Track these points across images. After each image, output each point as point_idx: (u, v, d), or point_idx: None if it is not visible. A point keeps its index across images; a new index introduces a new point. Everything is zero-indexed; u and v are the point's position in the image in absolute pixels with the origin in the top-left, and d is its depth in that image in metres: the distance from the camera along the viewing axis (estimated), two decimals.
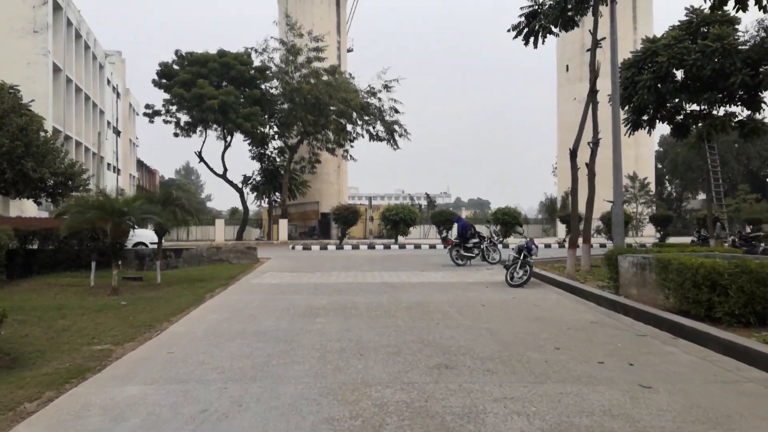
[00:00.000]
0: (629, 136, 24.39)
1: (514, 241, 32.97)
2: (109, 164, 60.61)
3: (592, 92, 17.53)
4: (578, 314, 9.73)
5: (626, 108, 23.62)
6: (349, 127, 40.92)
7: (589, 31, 18.79)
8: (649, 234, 41.49)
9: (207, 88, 33.36)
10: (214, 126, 37.03)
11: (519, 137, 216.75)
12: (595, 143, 18.87)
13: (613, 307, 10.70)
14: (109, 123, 61.23)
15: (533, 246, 13.60)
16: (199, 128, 37.78)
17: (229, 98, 33.72)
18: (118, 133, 65.90)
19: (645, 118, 23.84)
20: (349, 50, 53.57)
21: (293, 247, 31.86)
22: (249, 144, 42.59)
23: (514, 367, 6.00)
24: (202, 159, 38.38)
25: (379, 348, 6.89)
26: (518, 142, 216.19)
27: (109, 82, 61.05)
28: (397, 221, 32.87)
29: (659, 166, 69.65)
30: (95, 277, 15.20)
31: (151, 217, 14.25)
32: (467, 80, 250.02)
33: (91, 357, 7.05)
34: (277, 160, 43.37)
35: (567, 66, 58.50)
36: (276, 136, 42.77)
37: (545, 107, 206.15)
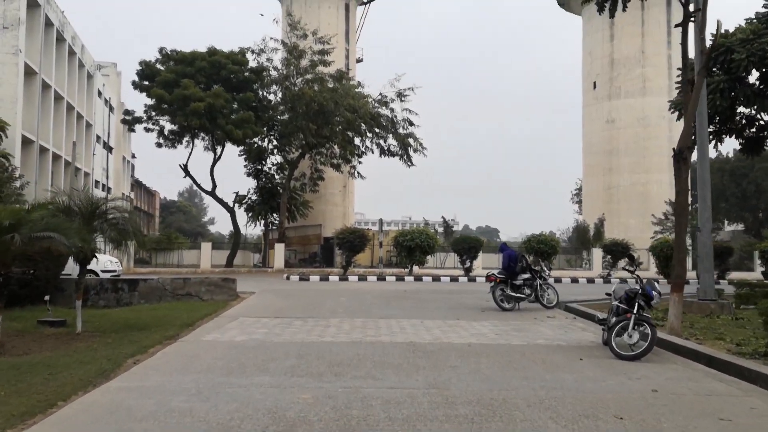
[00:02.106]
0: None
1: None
2: (97, 182, 56.05)
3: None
4: None
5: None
6: (357, 141, 35.98)
7: (681, 1, 13.84)
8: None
9: (192, 89, 28.46)
10: (202, 135, 32.11)
11: (529, 165, 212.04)
12: (688, 147, 13.78)
13: None
14: (99, 138, 56.76)
15: (653, 292, 8.40)
16: (185, 138, 32.89)
17: (218, 101, 28.79)
18: (110, 149, 61.42)
19: (710, 129, 19.37)
20: (359, 60, 48.98)
21: (288, 277, 26.65)
22: (245, 159, 37.73)
23: None
24: (187, 173, 33.38)
25: None
26: (529, 169, 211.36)
27: (100, 94, 56.67)
28: (412, 248, 27.63)
29: None
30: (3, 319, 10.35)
31: (51, 235, 9.18)
32: (477, 105, 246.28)
33: None
34: (276, 177, 38.35)
35: (594, 83, 53.93)
36: (275, 151, 37.85)
37: (557, 133, 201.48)
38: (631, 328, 8.15)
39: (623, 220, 48.31)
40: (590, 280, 28.50)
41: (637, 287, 8.54)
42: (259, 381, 6.51)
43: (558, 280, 27.50)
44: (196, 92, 28.48)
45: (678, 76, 19.64)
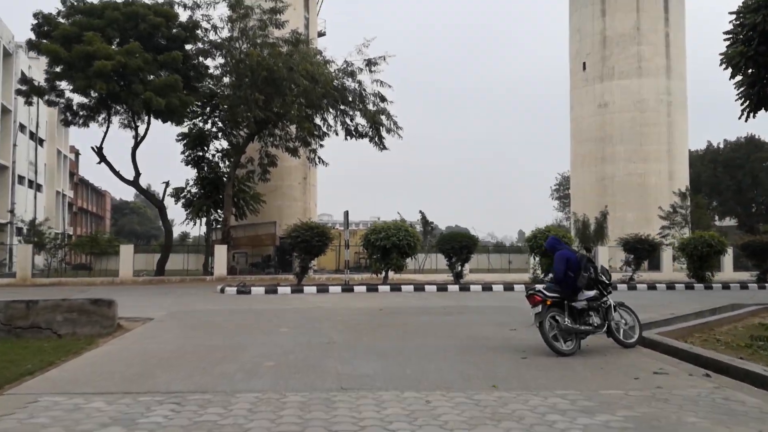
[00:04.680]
0: (746, 120, 14.77)
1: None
2: (21, 177, 48.65)
3: None
4: None
5: (740, 78, 14.34)
6: (318, 119, 29.56)
7: None
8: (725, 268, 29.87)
9: (98, 45, 21.53)
10: (117, 107, 25.20)
11: (498, 163, 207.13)
12: None
13: None
14: (23, 127, 49.23)
15: None
16: (101, 113, 25.99)
17: (134, 61, 21.95)
18: (40, 141, 53.74)
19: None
20: (321, 34, 42.57)
21: (222, 290, 20.08)
22: (183, 145, 31.12)
23: None
24: (102, 157, 26.35)
25: None
26: (497, 167, 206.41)
27: (24, 77, 48.89)
28: (387, 248, 21.29)
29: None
30: None
31: None
32: (446, 104, 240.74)
33: None
34: (221, 165, 31.75)
35: (584, 64, 48.58)
36: (219, 134, 31.30)
37: (529, 125, 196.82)
38: None
39: (620, 214, 42.94)
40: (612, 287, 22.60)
41: None
42: None
43: None
44: (102, 48, 21.61)
45: (730, 22, 14.16)
